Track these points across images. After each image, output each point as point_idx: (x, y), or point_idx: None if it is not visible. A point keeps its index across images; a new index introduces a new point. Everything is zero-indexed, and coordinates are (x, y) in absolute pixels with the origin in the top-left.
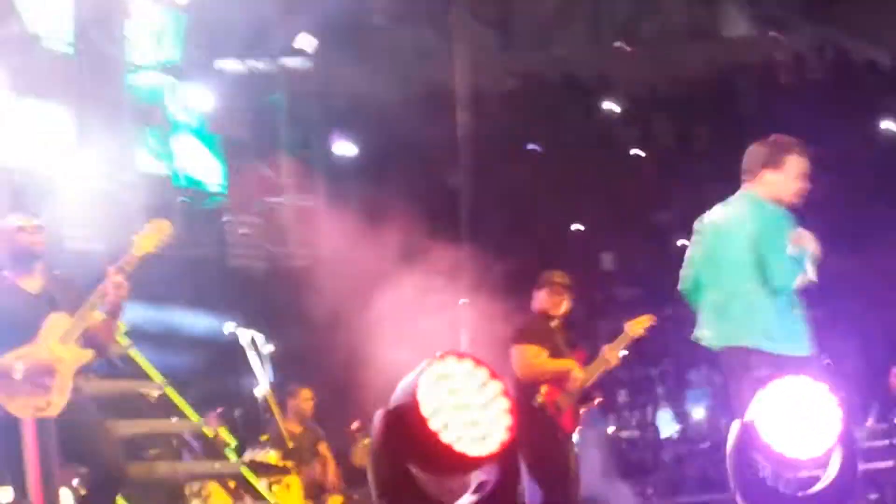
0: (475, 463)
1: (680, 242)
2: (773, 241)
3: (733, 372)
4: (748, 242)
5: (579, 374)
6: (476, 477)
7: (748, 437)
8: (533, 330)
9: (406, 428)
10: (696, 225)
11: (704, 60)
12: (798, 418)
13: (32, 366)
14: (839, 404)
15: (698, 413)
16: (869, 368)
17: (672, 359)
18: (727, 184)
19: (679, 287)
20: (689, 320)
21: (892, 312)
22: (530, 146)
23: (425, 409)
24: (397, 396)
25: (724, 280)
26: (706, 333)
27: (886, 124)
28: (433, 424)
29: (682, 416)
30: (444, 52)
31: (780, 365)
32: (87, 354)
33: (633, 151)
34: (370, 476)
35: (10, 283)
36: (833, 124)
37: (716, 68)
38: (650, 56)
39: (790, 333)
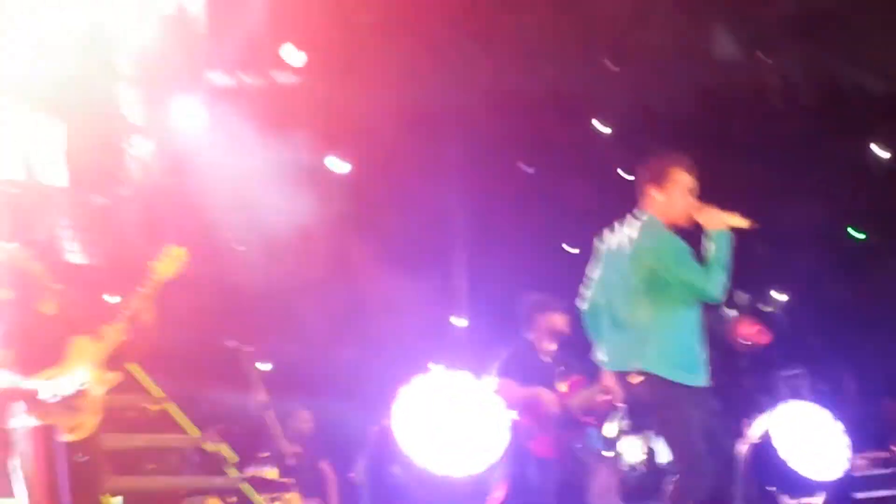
0: (459, 483)
1: None
2: (679, 257)
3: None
4: (642, 263)
5: (551, 398)
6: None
7: (763, 455)
8: (509, 362)
9: (389, 444)
10: (597, 243)
11: (693, 82)
12: (808, 439)
13: (62, 387)
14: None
15: None
16: (867, 396)
17: None
18: (717, 205)
19: (580, 307)
20: None
21: (888, 339)
22: (521, 165)
23: (399, 431)
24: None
25: (618, 302)
26: (601, 357)
27: (876, 148)
28: (406, 447)
29: None
30: (435, 70)
31: (675, 392)
32: (114, 378)
33: (620, 172)
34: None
35: (25, 305)
36: (823, 148)
37: (705, 90)
38: (638, 75)
39: (687, 361)
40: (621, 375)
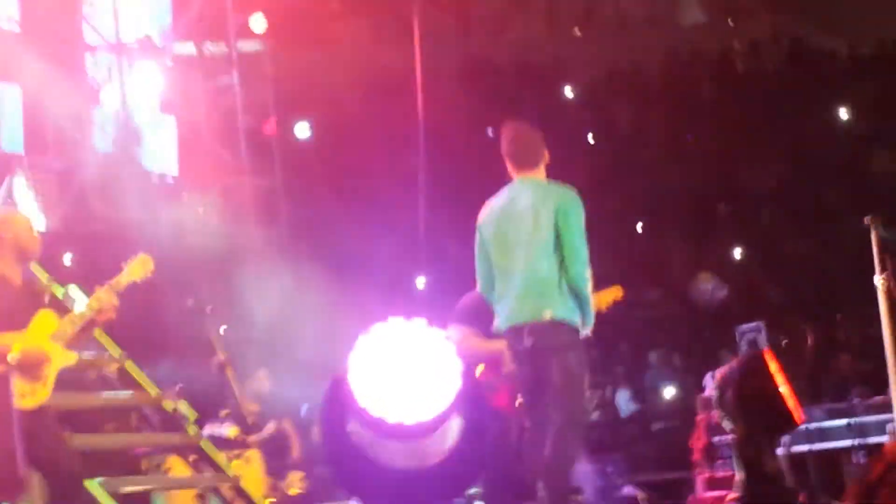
0: (413, 430)
1: (639, 226)
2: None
3: None
4: (550, 221)
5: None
6: (444, 438)
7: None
8: (472, 311)
9: (345, 394)
10: (482, 220)
11: (661, 48)
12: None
13: (26, 353)
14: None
15: (657, 393)
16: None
17: (631, 339)
18: (682, 168)
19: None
20: (647, 301)
21: (846, 294)
22: (488, 131)
23: (355, 380)
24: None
25: (521, 258)
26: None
27: (843, 113)
28: (361, 397)
29: (640, 396)
30: (401, 36)
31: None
32: (73, 357)
33: (588, 137)
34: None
35: (2, 273)
36: (790, 113)
37: (672, 56)
38: (606, 43)
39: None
40: (519, 330)
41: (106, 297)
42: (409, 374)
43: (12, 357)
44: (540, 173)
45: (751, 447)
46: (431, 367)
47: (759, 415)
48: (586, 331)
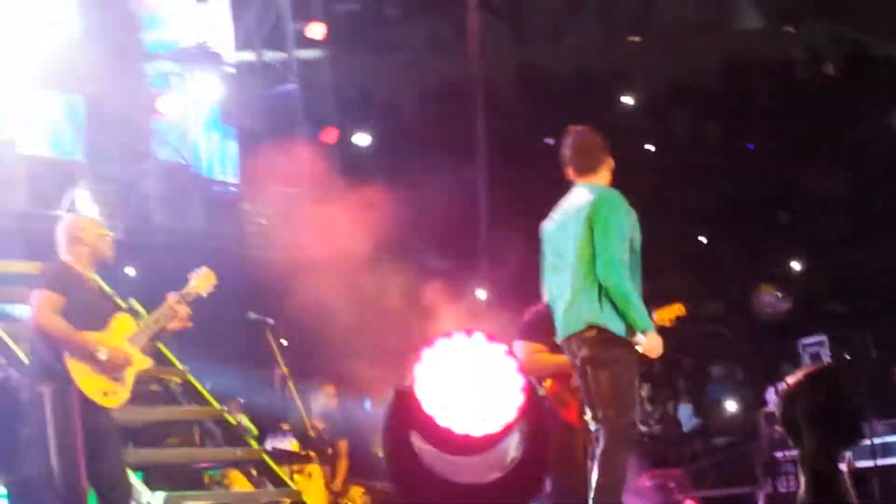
0: (478, 443)
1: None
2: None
3: None
4: (595, 224)
5: None
6: (504, 452)
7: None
8: (536, 326)
9: (409, 406)
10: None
11: (718, 54)
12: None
13: (113, 353)
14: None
15: (719, 408)
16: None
17: (693, 353)
18: (737, 177)
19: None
20: (709, 314)
21: None
22: (546, 140)
23: (421, 391)
24: (407, 374)
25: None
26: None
27: None
28: (429, 407)
29: (702, 410)
30: (457, 44)
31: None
32: (149, 362)
33: (646, 146)
34: (382, 450)
35: (83, 275)
36: (848, 120)
37: (729, 62)
38: (663, 49)
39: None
40: (570, 340)
41: (179, 305)
42: (472, 387)
43: (101, 353)
44: (600, 178)
45: (821, 462)
46: (493, 381)
47: (830, 428)
48: (642, 338)
